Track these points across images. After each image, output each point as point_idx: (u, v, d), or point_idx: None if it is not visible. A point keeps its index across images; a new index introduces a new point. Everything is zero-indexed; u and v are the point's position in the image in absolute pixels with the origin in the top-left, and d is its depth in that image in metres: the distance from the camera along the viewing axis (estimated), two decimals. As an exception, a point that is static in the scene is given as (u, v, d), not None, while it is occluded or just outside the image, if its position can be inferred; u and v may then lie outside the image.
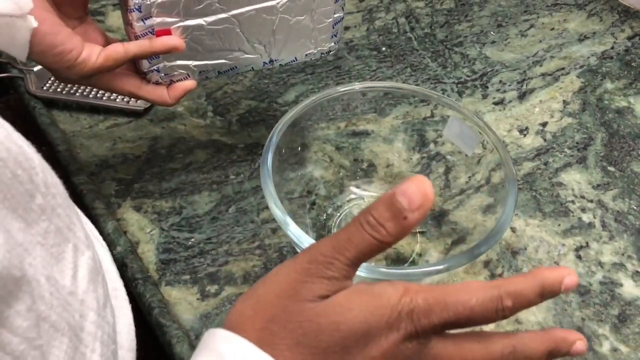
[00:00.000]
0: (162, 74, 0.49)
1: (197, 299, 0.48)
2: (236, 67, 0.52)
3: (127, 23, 0.46)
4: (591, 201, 0.57)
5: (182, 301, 0.48)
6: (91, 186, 0.55)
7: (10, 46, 0.41)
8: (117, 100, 0.62)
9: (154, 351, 0.48)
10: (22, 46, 0.41)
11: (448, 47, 0.74)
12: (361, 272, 0.37)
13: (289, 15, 0.50)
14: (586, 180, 0.59)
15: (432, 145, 0.55)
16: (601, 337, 0.47)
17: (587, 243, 0.54)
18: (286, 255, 0.51)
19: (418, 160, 0.55)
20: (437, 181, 0.54)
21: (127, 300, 0.40)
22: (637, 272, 0.52)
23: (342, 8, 0.52)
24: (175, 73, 0.49)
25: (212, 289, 0.49)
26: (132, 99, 0.62)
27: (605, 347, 0.47)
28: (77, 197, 0.55)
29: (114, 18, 0.74)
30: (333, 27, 0.53)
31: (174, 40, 0.46)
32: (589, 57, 0.73)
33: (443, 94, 0.67)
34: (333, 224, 0.53)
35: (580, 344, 0.29)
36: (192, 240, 0.52)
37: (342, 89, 0.52)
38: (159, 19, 0.45)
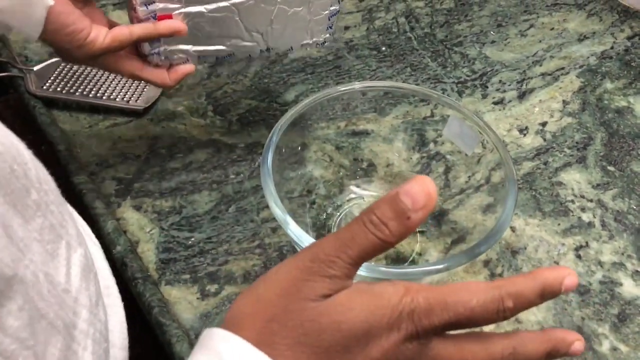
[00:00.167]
0: (163, 57, 0.50)
1: (197, 298, 0.48)
2: (234, 54, 0.53)
3: (131, 8, 0.48)
4: (591, 201, 0.57)
5: (182, 300, 0.48)
6: (91, 185, 0.55)
7: (25, 25, 0.42)
8: (117, 99, 0.62)
9: (153, 350, 0.48)
10: (37, 24, 0.42)
11: (448, 47, 0.74)
12: (361, 271, 0.37)
13: (287, 6, 0.51)
14: (586, 180, 0.59)
15: (432, 145, 0.55)
16: (601, 337, 0.47)
17: (586, 242, 0.54)
18: (286, 255, 0.51)
19: (418, 159, 0.55)
20: (437, 181, 0.54)
21: (120, 298, 0.40)
22: (637, 271, 0.52)
23: (339, 1, 0.54)
24: (175, 57, 0.51)
25: (212, 288, 0.49)
26: (132, 98, 0.62)
27: (605, 347, 0.47)
28: (77, 197, 0.55)
29: (114, 17, 0.74)
30: (329, 20, 0.54)
31: (177, 23, 0.48)
32: (588, 57, 0.73)
33: (443, 93, 0.67)
34: (333, 224, 0.53)
35: (578, 344, 0.29)
36: (192, 239, 0.52)
37: (342, 88, 0.52)
38: (161, 5, 0.47)
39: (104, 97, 0.63)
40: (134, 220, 0.53)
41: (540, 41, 0.75)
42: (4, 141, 0.27)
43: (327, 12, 0.54)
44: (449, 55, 0.73)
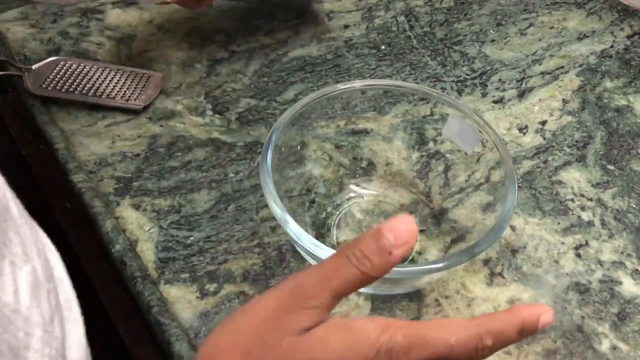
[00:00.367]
0: None
1: (197, 297, 0.48)
2: None
3: None
4: (591, 199, 0.57)
5: (181, 299, 0.48)
6: (90, 184, 0.55)
7: None
8: (116, 98, 0.62)
9: (152, 349, 0.48)
10: None
11: (447, 46, 0.74)
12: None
13: None
14: (586, 179, 0.59)
15: (431, 144, 0.55)
16: (601, 336, 0.47)
17: (586, 241, 0.54)
18: (285, 254, 0.51)
19: (417, 158, 0.55)
20: (437, 179, 0.54)
21: (80, 312, 0.37)
22: (637, 270, 0.52)
23: None
24: None
25: (212, 287, 0.49)
26: (131, 97, 0.62)
27: (604, 346, 0.47)
28: (76, 195, 0.55)
29: (113, 17, 0.74)
30: None
31: None
32: (588, 56, 0.73)
33: (442, 92, 0.67)
34: (332, 222, 0.53)
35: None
36: (191, 238, 0.52)
37: (341, 87, 0.52)
38: None
39: (103, 96, 0.62)
40: (133, 219, 0.53)
41: (539, 40, 0.75)
42: None
43: None
44: (449, 54, 0.73)
